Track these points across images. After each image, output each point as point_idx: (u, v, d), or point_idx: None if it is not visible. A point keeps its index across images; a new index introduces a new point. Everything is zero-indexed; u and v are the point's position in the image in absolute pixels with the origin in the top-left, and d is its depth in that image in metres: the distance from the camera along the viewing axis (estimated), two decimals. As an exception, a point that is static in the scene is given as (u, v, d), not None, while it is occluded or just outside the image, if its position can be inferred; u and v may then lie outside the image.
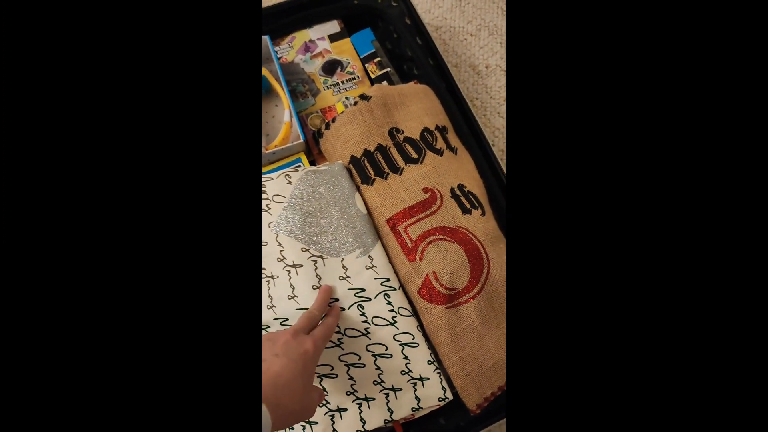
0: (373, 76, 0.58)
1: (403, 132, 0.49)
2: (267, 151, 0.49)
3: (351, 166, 0.46)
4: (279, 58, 0.56)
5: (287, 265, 0.40)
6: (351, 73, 0.58)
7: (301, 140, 0.49)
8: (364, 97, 0.49)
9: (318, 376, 0.38)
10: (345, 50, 0.59)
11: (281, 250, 0.40)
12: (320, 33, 0.59)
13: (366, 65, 0.58)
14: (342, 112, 0.48)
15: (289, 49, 0.58)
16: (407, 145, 0.48)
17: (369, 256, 0.42)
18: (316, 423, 0.38)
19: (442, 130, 0.50)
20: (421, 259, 0.42)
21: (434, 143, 0.49)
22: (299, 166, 0.51)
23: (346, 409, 0.38)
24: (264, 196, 0.42)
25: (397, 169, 0.46)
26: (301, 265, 0.40)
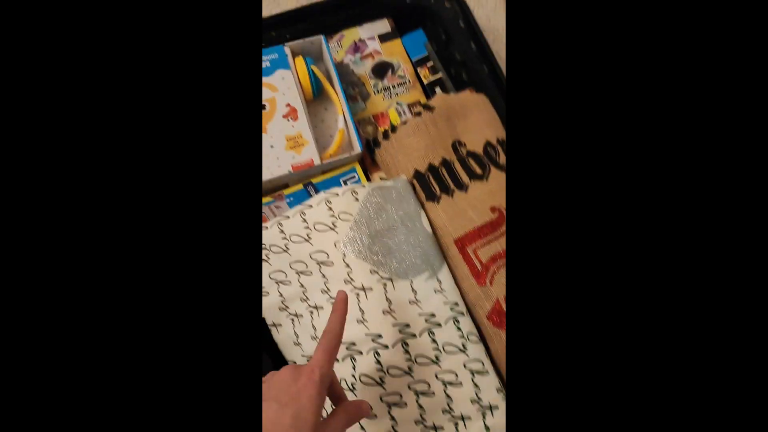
0: (425, 81, 0.56)
1: (465, 145, 0.48)
2: (322, 162, 0.47)
3: (414, 181, 0.45)
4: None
5: (356, 288, 0.39)
6: (402, 77, 0.56)
7: (359, 150, 0.48)
8: (427, 107, 0.47)
9: (387, 405, 0.38)
10: (396, 52, 0.57)
11: (349, 272, 0.39)
12: (370, 32, 0.57)
13: (418, 69, 0.57)
14: (404, 122, 0.47)
15: (338, 48, 0.56)
16: (471, 159, 0.47)
17: (437, 279, 0.41)
18: (385, 452, 0.38)
19: (503, 144, 0.50)
20: (491, 284, 0.41)
21: (497, 158, 0.48)
22: (353, 176, 0.49)
23: (415, 439, 0.38)
24: (329, 213, 0.41)
25: (462, 186, 0.45)
26: (371, 288, 0.39)
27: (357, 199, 0.41)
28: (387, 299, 0.39)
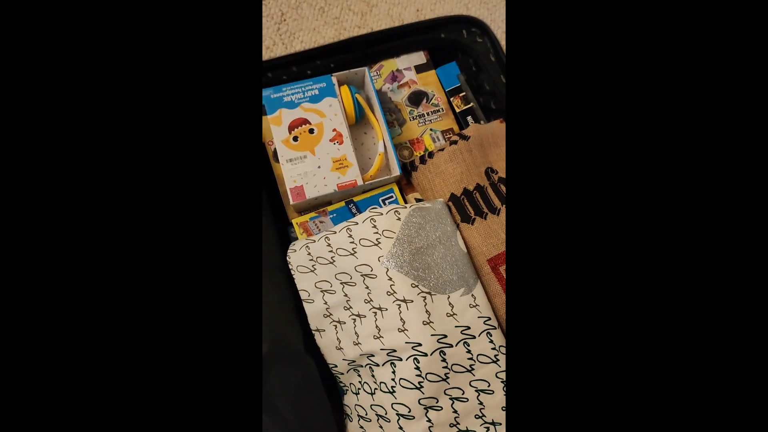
0: (457, 110, 0.61)
1: (497, 172, 0.52)
2: (364, 182, 0.52)
3: (450, 203, 0.50)
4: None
5: (397, 299, 0.43)
6: (436, 105, 0.61)
7: (398, 173, 0.53)
8: (462, 136, 0.52)
9: (424, 408, 0.42)
10: (430, 82, 0.62)
11: (391, 285, 0.44)
12: (407, 63, 0.63)
13: (450, 99, 0.62)
14: (440, 150, 0.52)
15: (377, 77, 0.62)
16: (502, 185, 0.51)
17: (472, 295, 0.45)
18: (422, 452, 0.41)
19: (530, 172, 0.54)
20: (521, 301, 0.45)
21: (525, 185, 0.52)
22: (390, 196, 0.54)
23: (449, 441, 0.42)
24: (374, 230, 0.46)
25: (495, 210, 0.49)
26: (412, 301, 0.43)
27: (399, 219, 0.46)
28: (426, 311, 0.43)
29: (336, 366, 0.47)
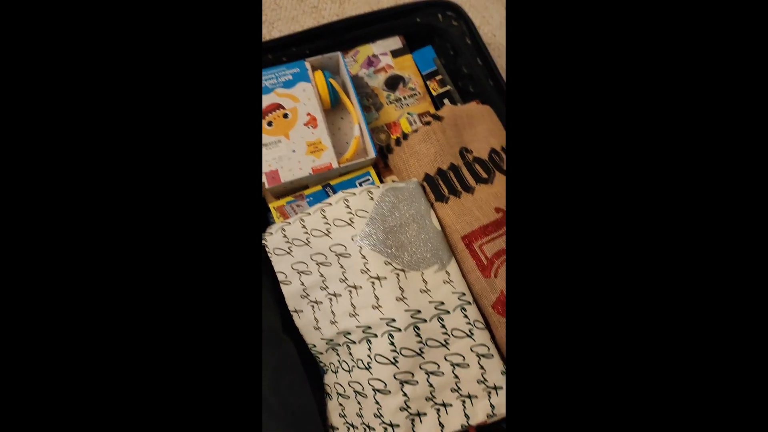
0: (434, 93, 0.62)
1: (472, 152, 0.53)
2: (340, 165, 0.52)
3: (425, 183, 0.50)
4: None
5: (371, 277, 0.44)
6: (412, 89, 0.62)
7: (373, 155, 0.53)
8: (436, 117, 0.53)
9: (399, 382, 0.43)
10: (407, 66, 0.63)
11: (365, 263, 0.44)
12: (383, 48, 0.63)
13: (427, 82, 0.63)
14: (414, 131, 0.53)
15: (354, 62, 0.62)
16: (477, 165, 0.52)
17: (446, 271, 0.46)
18: (398, 425, 0.42)
19: (506, 151, 0.55)
20: (495, 276, 0.46)
21: (501, 164, 0.53)
22: (367, 179, 0.55)
23: (425, 414, 0.43)
24: (347, 210, 0.46)
25: (469, 188, 0.50)
26: (385, 278, 0.44)
27: (372, 198, 0.46)
28: (400, 288, 0.44)
29: (315, 346, 0.48)
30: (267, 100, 0.54)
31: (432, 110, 0.61)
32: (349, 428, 0.45)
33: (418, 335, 0.43)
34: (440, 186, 0.50)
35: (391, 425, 0.42)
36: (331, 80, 0.56)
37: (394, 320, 0.43)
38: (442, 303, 0.45)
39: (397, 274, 0.44)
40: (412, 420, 0.43)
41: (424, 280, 0.45)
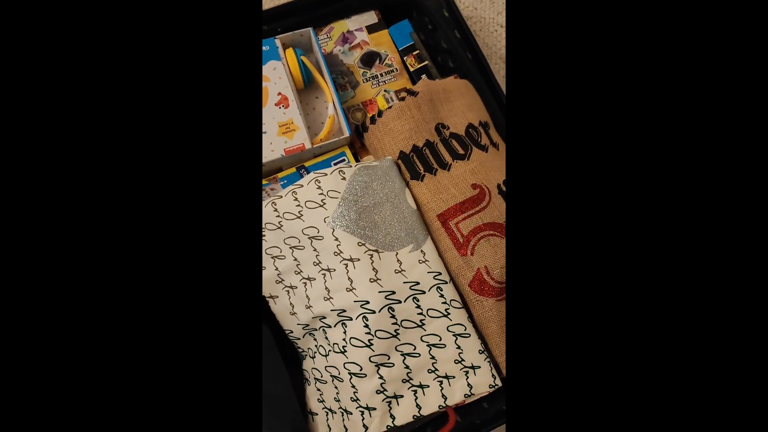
0: (411, 69, 0.61)
1: (448, 128, 0.52)
2: (313, 146, 0.51)
3: (400, 161, 0.49)
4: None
5: (344, 259, 0.43)
6: (389, 66, 0.61)
7: (347, 134, 0.52)
8: (411, 92, 0.52)
9: (375, 365, 0.42)
10: (383, 42, 0.61)
11: (338, 245, 0.44)
12: (358, 24, 0.62)
13: (404, 58, 0.61)
14: (389, 107, 0.51)
15: (328, 39, 0.61)
16: (453, 141, 0.51)
17: (421, 251, 0.45)
18: (374, 408, 0.42)
19: (485, 126, 0.54)
20: (472, 254, 0.45)
21: (479, 139, 0.52)
22: (343, 159, 0.54)
23: (402, 396, 0.42)
24: (318, 191, 0.45)
25: (445, 165, 0.49)
26: (358, 259, 0.43)
27: (344, 178, 0.45)
28: (374, 269, 0.43)
29: (292, 332, 0.47)
30: (236, 81, 0.52)
31: (410, 86, 0.59)
32: (327, 413, 0.45)
33: (393, 317, 0.43)
34: (415, 164, 0.49)
35: (368, 408, 0.42)
36: (303, 58, 0.55)
37: (368, 302, 0.42)
38: (417, 283, 0.44)
39: (371, 255, 0.43)
40: (389, 402, 0.42)
41: (398, 261, 0.44)
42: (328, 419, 0.45)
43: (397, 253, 0.44)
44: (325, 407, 0.45)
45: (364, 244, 0.44)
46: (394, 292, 0.43)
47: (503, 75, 0.72)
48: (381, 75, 0.60)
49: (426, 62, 0.61)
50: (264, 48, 0.54)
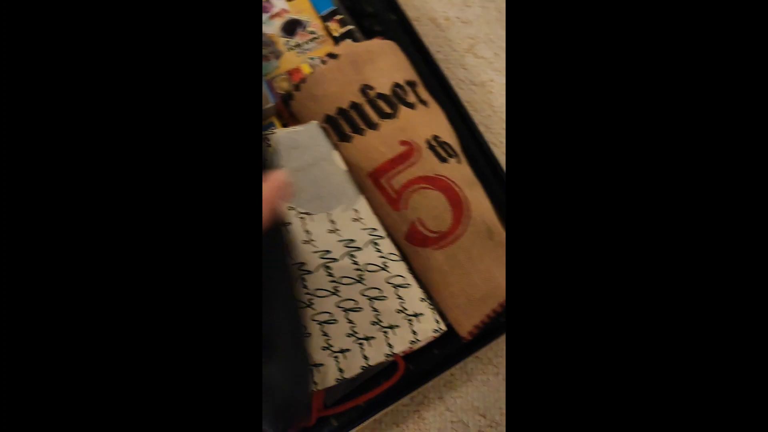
0: (335, 35, 0.61)
1: (374, 88, 0.53)
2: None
3: (326, 125, 0.50)
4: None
5: (278, 224, 0.44)
6: (313, 33, 0.61)
7: (271, 104, 0.53)
8: (331, 55, 0.52)
9: (318, 324, 0.44)
10: (303, 9, 0.61)
11: (270, 211, 0.44)
12: (276, -8, 0.61)
13: (327, 24, 0.61)
14: (311, 73, 0.52)
15: (246, 11, 0.60)
16: (380, 101, 0.52)
17: (354, 210, 0.47)
18: (322, 365, 0.43)
19: (412, 84, 0.55)
20: (406, 208, 0.47)
21: (406, 97, 0.53)
22: (274, 130, 0.54)
23: (348, 350, 0.44)
24: (246, 160, 0.46)
25: (373, 125, 0.50)
26: (290, 223, 0.44)
27: (269, 145, 0.46)
28: (306, 231, 0.44)
29: None
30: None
31: (335, 52, 0.60)
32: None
33: (330, 275, 0.44)
34: (342, 126, 0.50)
35: (316, 365, 0.43)
36: (221, 31, 0.54)
37: (303, 264, 0.43)
38: (353, 240, 0.45)
39: (302, 218, 0.45)
40: (336, 357, 0.44)
41: (331, 221, 0.45)
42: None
43: (329, 214, 0.46)
44: (277, 374, 0.47)
45: (294, 208, 0.45)
46: (329, 251, 0.44)
47: (434, 35, 0.73)
48: (304, 43, 0.60)
49: (350, 27, 0.62)
50: (177, 23, 0.53)
